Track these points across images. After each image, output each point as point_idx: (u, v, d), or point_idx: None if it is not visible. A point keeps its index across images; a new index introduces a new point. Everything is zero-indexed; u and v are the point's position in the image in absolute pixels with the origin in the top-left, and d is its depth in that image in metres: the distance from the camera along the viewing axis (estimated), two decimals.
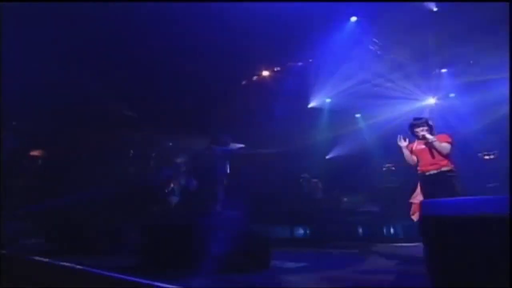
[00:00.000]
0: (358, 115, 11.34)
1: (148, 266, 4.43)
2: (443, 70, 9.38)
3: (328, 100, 10.59)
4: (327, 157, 11.48)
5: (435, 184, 5.10)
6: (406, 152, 5.39)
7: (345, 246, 7.45)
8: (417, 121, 5.41)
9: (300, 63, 9.55)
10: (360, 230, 9.28)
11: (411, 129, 5.44)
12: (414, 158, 5.40)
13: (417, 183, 5.38)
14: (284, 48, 8.74)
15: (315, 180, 9.73)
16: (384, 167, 10.25)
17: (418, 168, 5.33)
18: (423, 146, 5.28)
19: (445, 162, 5.13)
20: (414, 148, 5.40)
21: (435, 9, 7.59)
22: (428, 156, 5.20)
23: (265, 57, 9.14)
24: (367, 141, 10.62)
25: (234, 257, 4.03)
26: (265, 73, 9.99)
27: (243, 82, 9.96)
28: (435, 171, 5.14)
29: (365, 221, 9.14)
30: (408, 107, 9.96)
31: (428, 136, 5.19)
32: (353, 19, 8.12)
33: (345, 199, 9.75)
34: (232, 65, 8.94)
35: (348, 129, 11.11)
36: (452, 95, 9.79)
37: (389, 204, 8.82)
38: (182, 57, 8.28)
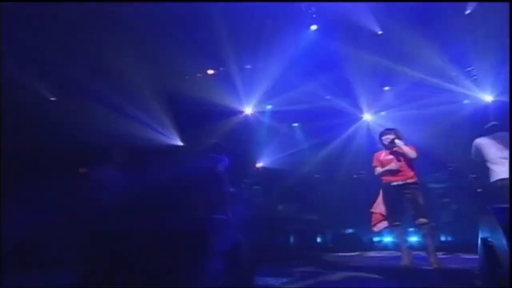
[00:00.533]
0: (295, 124, 11.42)
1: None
2: (386, 88, 9.81)
3: (269, 107, 10.55)
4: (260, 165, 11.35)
5: (399, 195, 5.24)
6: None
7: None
8: (386, 130, 5.57)
9: (248, 66, 9.34)
10: (293, 239, 9.28)
11: (380, 138, 5.57)
12: (379, 168, 5.45)
13: (379, 193, 5.51)
14: (232, 49, 8.50)
15: (257, 187, 9.55)
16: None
17: (383, 178, 5.40)
18: (391, 156, 5.39)
19: (411, 173, 5.26)
20: (382, 158, 5.48)
21: (380, 32, 8.01)
22: (395, 166, 5.30)
23: (211, 56, 8.79)
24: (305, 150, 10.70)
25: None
26: (210, 71, 9.57)
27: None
28: (400, 182, 5.23)
29: (302, 229, 9.17)
30: (341, 119, 10.26)
31: (397, 141, 5.32)
32: (313, 27, 8.14)
33: (281, 207, 9.68)
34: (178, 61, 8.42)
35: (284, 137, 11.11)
36: (383, 113, 10.31)
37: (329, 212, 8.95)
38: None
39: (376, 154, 5.55)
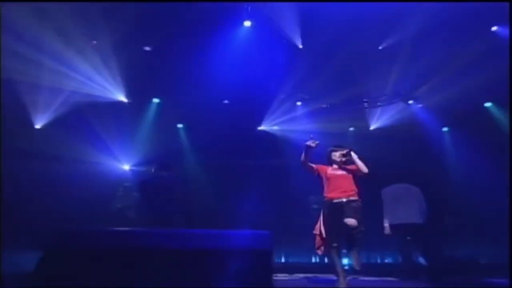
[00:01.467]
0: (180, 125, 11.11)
1: None
2: (298, 103, 9.97)
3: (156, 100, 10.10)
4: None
5: (342, 212, 4.94)
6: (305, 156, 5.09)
7: None
8: (337, 147, 5.39)
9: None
10: None
11: (329, 154, 5.37)
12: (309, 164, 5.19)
13: (320, 213, 5.19)
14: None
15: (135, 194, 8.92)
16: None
17: (326, 195, 5.14)
18: (339, 172, 5.17)
19: (355, 192, 5.08)
20: (328, 172, 5.23)
21: (300, 46, 8.13)
22: (341, 183, 5.07)
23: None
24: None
25: None
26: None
27: None
28: (344, 199, 5.01)
29: None
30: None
31: (353, 154, 5.14)
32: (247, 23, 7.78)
33: None
34: None
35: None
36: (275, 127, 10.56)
37: None
38: None
39: (322, 167, 5.27)
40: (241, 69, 8.36)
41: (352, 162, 5.17)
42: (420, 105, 9.71)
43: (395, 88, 9.09)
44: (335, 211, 4.97)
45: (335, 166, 5.29)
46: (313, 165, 5.21)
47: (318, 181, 9.83)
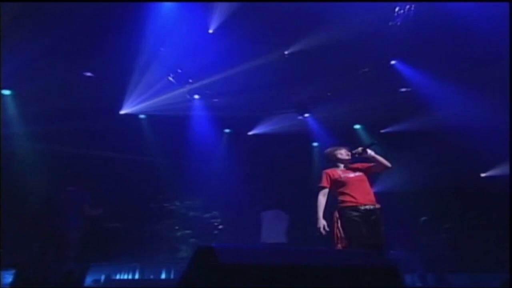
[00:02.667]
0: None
1: None
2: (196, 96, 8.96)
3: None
4: None
5: (369, 222, 4.20)
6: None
7: None
8: (340, 147, 4.68)
9: None
10: None
11: (332, 155, 4.64)
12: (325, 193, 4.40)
13: (335, 222, 4.33)
14: None
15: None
16: None
17: (347, 199, 4.31)
18: (352, 175, 4.44)
19: (374, 197, 4.40)
20: (341, 176, 4.43)
21: (210, 31, 7.15)
22: (361, 187, 4.36)
23: None
24: None
25: None
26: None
27: None
28: (371, 206, 4.28)
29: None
30: None
31: (370, 151, 4.44)
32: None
33: None
34: None
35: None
36: None
37: None
38: None
39: (328, 171, 4.51)
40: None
41: (363, 160, 4.53)
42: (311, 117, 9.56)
43: (292, 98, 8.61)
44: (363, 220, 4.18)
45: (342, 167, 4.57)
46: (325, 185, 4.46)
47: (186, 185, 8.94)
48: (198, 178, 9.09)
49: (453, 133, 8.75)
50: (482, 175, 9.52)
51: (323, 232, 4.21)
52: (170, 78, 7.71)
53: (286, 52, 7.76)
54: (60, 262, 5.61)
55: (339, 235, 4.21)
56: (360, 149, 4.51)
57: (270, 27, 7.18)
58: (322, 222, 4.24)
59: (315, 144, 10.91)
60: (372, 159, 4.46)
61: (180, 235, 8.48)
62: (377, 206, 4.33)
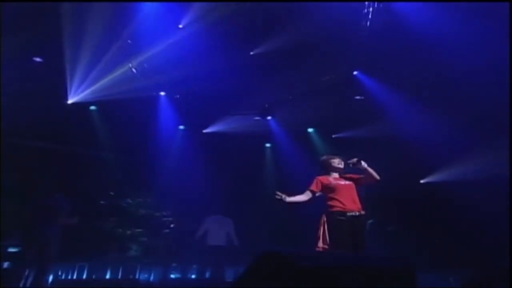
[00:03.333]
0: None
1: None
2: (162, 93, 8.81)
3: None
4: None
5: (356, 228, 4.49)
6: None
7: None
8: (333, 155, 4.94)
9: None
10: None
11: (326, 162, 4.85)
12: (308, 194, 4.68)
13: (322, 225, 4.60)
14: None
15: None
16: None
17: (335, 204, 4.56)
18: (343, 182, 4.70)
19: (361, 204, 4.67)
20: (332, 182, 4.68)
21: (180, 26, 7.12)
22: (351, 194, 4.63)
23: None
24: None
25: None
26: None
27: None
28: (357, 213, 4.55)
29: None
30: None
31: (363, 162, 4.64)
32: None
33: None
34: None
35: None
36: None
37: None
38: None
39: (321, 178, 4.75)
40: None
41: (355, 170, 4.78)
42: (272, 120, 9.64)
43: (256, 100, 8.61)
44: (349, 225, 4.46)
45: (335, 175, 4.81)
46: (314, 189, 4.72)
47: (139, 182, 8.61)
48: (151, 175, 8.79)
49: (398, 141, 9.34)
50: (422, 181, 10.19)
51: (277, 196, 4.56)
52: (133, 69, 7.35)
53: (252, 53, 7.78)
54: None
55: (323, 237, 4.50)
56: (355, 160, 4.71)
57: (239, 26, 7.16)
58: (284, 195, 4.57)
59: (267, 145, 11.05)
60: (364, 171, 4.69)
61: (130, 234, 8.15)
62: (362, 212, 4.61)
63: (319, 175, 4.82)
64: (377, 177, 4.69)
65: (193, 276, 9.02)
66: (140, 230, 8.16)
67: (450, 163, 9.50)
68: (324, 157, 4.99)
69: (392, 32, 6.85)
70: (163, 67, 7.53)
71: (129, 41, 6.64)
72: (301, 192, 4.73)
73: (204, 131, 10.01)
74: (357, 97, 8.98)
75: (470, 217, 8.10)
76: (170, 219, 8.56)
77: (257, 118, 9.69)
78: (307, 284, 2.24)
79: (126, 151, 8.83)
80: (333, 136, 10.34)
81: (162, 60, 7.32)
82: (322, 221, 4.59)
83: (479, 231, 7.95)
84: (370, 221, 9.03)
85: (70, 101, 8.12)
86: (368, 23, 6.84)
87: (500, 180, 7.94)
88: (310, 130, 10.66)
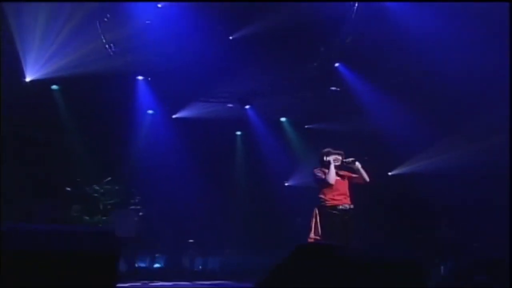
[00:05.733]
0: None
1: None
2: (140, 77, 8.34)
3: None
4: None
5: (346, 221, 4.77)
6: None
7: None
8: (335, 150, 5.09)
9: None
10: None
11: (324, 155, 5.03)
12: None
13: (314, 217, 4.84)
14: None
15: None
16: None
17: (329, 197, 4.82)
18: (337, 177, 4.93)
19: (351, 198, 4.93)
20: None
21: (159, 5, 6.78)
22: (341, 189, 4.87)
23: None
24: None
25: None
26: None
27: None
28: (348, 206, 4.81)
29: None
30: None
31: (358, 163, 4.91)
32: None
33: None
34: None
35: None
36: None
37: None
38: None
39: (321, 169, 5.01)
40: None
41: (349, 168, 5.01)
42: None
43: (233, 87, 8.34)
44: (340, 218, 4.71)
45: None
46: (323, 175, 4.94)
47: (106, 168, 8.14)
48: (120, 161, 8.37)
49: (369, 134, 9.48)
50: (389, 173, 10.43)
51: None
52: (107, 46, 6.86)
53: (231, 37, 7.51)
54: None
55: (315, 228, 4.74)
56: (351, 159, 4.98)
57: (220, 8, 6.88)
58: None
59: (238, 132, 10.85)
60: (357, 171, 4.95)
61: (96, 222, 7.70)
62: (351, 206, 4.87)
63: (316, 167, 5.09)
64: (367, 179, 4.96)
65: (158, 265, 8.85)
66: (105, 218, 7.71)
67: (415, 156, 9.80)
68: (326, 151, 5.12)
69: (377, 25, 6.83)
70: (139, 47, 7.07)
71: (106, 17, 6.12)
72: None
73: (174, 116, 9.67)
74: (333, 88, 8.95)
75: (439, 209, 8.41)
76: (139, 207, 8.19)
77: (230, 105, 9.46)
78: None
79: (93, 136, 8.30)
80: (306, 126, 10.35)
81: (138, 39, 6.87)
82: (314, 213, 4.80)
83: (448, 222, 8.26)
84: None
85: (28, 79, 7.46)
86: (353, 15, 6.77)
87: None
88: (282, 119, 10.58)
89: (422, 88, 8.20)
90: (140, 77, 8.12)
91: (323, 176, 4.89)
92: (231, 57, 7.68)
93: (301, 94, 8.87)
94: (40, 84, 7.58)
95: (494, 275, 4.71)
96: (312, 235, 4.70)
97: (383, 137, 9.21)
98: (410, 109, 8.38)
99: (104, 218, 7.75)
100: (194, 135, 9.64)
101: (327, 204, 4.81)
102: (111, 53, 6.90)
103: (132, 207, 8.17)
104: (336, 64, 8.01)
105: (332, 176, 4.81)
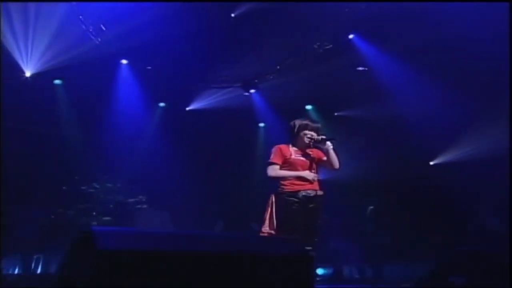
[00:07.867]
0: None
1: None
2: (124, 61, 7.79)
3: None
4: None
5: (308, 209, 3.90)
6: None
7: None
8: (315, 124, 4.11)
9: None
10: None
11: (298, 130, 4.03)
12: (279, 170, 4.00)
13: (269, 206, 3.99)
14: None
15: None
16: None
17: (287, 183, 3.94)
18: (302, 158, 4.04)
19: (319, 184, 4.06)
20: (290, 155, 4.01)
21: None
22: (306, 169, 4.00)
23: None
24: None
25: None
26: None
27: None
28: (312, 192, 3.93)
29: None
30: None
31: (329, 143, 4.00)
32: None
33: None
34: None
35: None
36: None
37: None
38: None
39: (282, 147, 4.05)
40: None
41: (321, 149, 4.10)
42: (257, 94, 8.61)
43: (238, 72, 7.53)
44: (301, 206, 3.86)
45: (295, 148, 4.07)
46: (279, 162, 4.02)
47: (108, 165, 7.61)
48: (124, 157, 7.84)
49: (405, 120, 8.33)
50: (431, 163, 9.15)
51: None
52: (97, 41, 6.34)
53: (233, 15, 6.70)
54: None
55: (270, 220, 3.90)
56: (321, 137, 4.03)
57: None
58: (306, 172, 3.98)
59: (261, 124, 9.97)
60: (326, 153, 4.06)
61: (97, 222, 7.21)
62: (319, 193, 3.99)
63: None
64: (337, 165, 4.07)
65: None
66: (108, 218, 7.20)
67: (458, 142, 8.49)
68: (301, 123, 4.08)
69: None
70: (130, 30, 6.44)
71: None
72: None
73: (188, 108, 9.00)
74: (360, 68, 7.84)
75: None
76: (145, 206, 7.62)
77: (245, 93, 8.62)
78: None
79: (94, 131, 7.83)
80: (336, 114, 9.27)
81: (129, 21, 6.24)
82: (270, 201, 3.98)
83: None
84: (371, 207, 8.14)
85: (28, 74, 7.14)
86: None
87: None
88: (308, 107, 9.50)
89: (452, 58, 6.86)
90: (124, 61, 7.47)
91: (287, 155, 4.02)
92: (233, 37, 6.86)
93: (322, 76, 7.82)
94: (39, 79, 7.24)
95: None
96: (266, 228, 3.87)
97: (424, 124, 8.04)
98: (442, 86, 7.11)
99: (106, 218, 7.26)
100: (204, 126, 8.88)
101: (285, 190, 3.92)
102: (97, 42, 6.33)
103: (138, 206, 7.64)
104: (351, 36, 6.91)
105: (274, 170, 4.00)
